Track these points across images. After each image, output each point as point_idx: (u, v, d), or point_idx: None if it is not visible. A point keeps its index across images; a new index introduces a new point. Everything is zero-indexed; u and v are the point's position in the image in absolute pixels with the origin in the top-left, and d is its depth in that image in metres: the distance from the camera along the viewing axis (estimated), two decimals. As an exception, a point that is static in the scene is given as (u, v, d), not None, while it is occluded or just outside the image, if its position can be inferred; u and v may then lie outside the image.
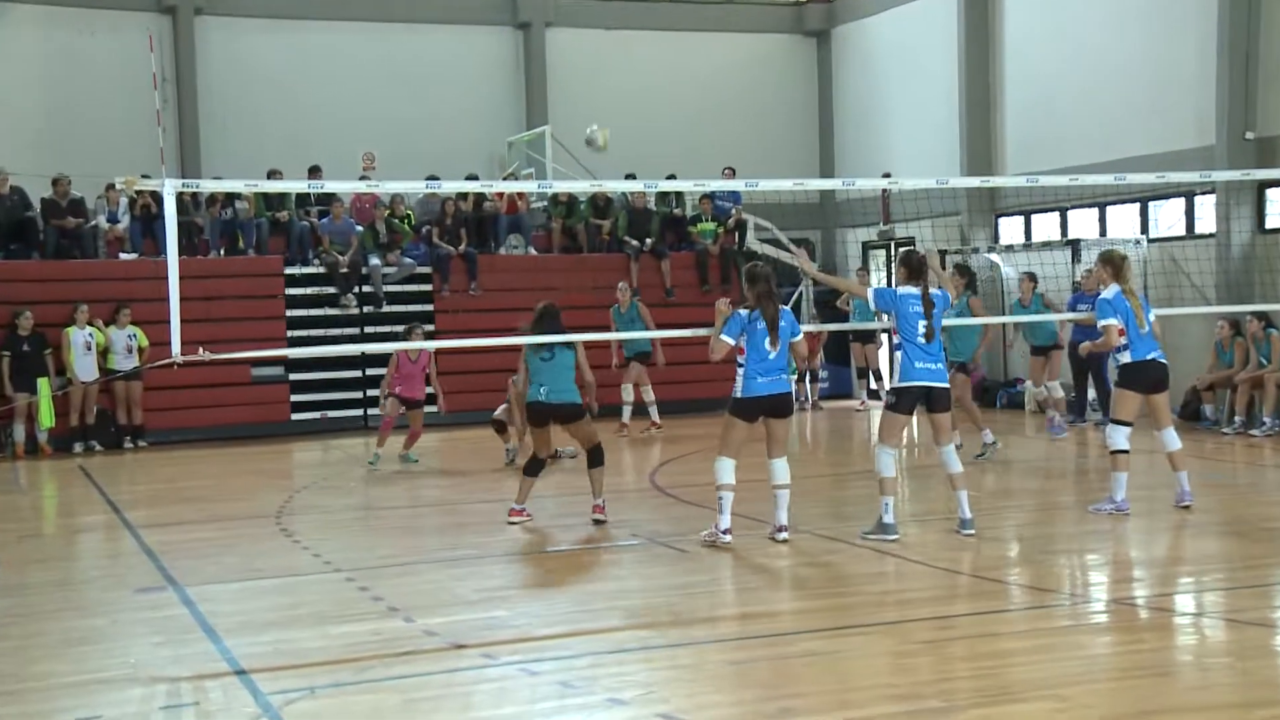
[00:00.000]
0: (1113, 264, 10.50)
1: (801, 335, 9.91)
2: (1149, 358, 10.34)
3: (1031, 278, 17.09)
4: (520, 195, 21.13)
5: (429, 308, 19.99)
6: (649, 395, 17.72)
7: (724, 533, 9.56)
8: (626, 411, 17.69)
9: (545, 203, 21.77)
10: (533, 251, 21.04)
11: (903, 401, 9.74)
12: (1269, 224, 17.11)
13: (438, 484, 14.23)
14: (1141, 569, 8.95)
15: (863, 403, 20.77)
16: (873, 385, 21.07)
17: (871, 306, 9.79)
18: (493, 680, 6.55)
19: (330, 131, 22.19)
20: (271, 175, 18.45)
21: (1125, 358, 10.36)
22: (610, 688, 6.32)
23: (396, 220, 20.22)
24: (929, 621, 7.40)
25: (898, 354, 9.89)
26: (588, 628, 7.54)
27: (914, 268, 9.82)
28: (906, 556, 9.22)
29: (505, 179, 21.08)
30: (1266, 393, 15.74)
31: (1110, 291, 10.38)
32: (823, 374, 22.37)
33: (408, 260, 20.02)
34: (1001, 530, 10.48)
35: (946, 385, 9.81)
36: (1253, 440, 15.24)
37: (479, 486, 13.62)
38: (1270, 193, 17.12)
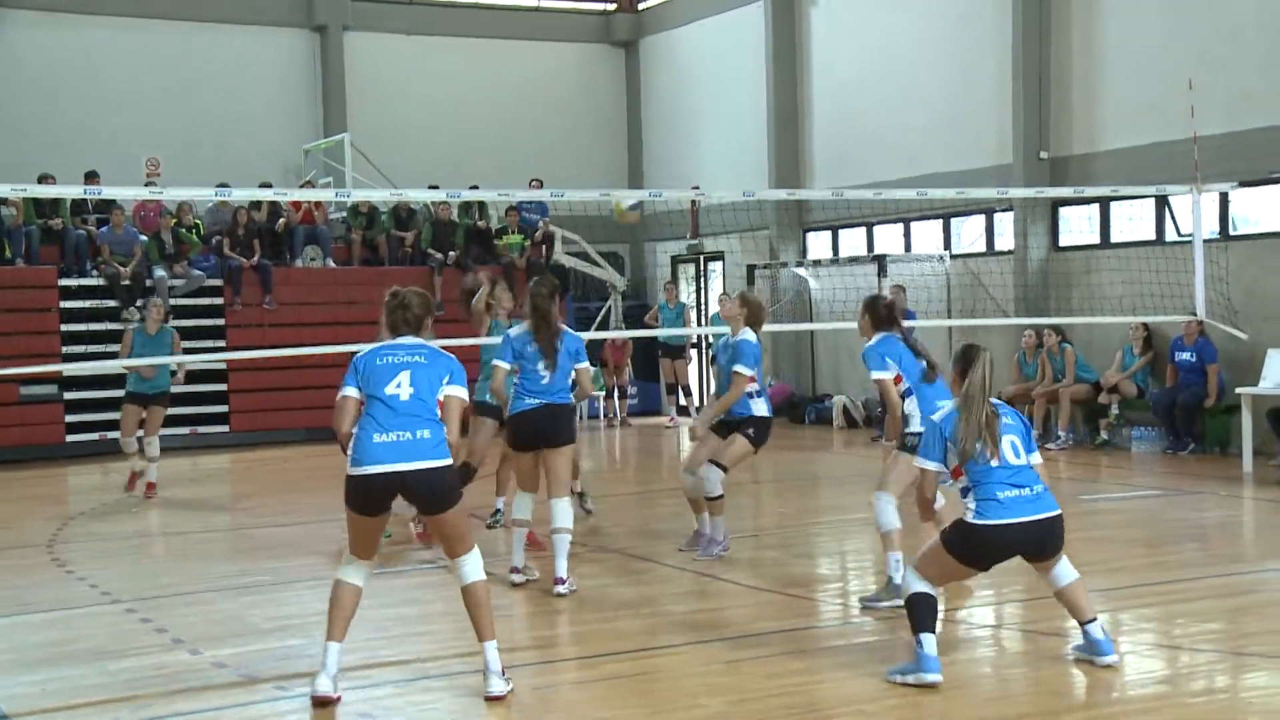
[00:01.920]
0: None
1: (587, 363, 8.82)
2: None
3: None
4: (317, 205, 20.49)
5: (220, 322, 19.23)
6: None
7: (512, 571, 8.90)
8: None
9: (344, 213, 21.19)
10: (331, 264, 20.44)
11: None
12: (1063, 241, 17.64)
13: (228, 508, 13.62)
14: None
15: (671, 419, 20.73)
16: (682, 401, 21.06)
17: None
18: (287, 714, 6.27)
19: (110, 135, 21.12)
20: (43, 180, 17.40)
21: (761, 409, 9.59)
22: (412, 717, 6.13)
23: (184, 230, 19.31)
24: (737, 640, 7.33)
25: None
26: (389, 656, 7.26)
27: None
28: (715, 575, 9.10)
29: (302, 188, 20.42)
30: (1061, 407, 16.18)
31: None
32: (631, 390, 22.30)
33: (196, 272, 19.16)
34: (811, 546, 10.46)
35: None
36: (1048, 453, 15.64)
37: (273, 510, 13.07)
38: (1064, 211, 17.67)
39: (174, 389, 14.25)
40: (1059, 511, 6.49)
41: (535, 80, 24.51)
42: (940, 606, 6.67)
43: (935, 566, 6.50)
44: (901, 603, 7.65)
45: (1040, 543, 6.45)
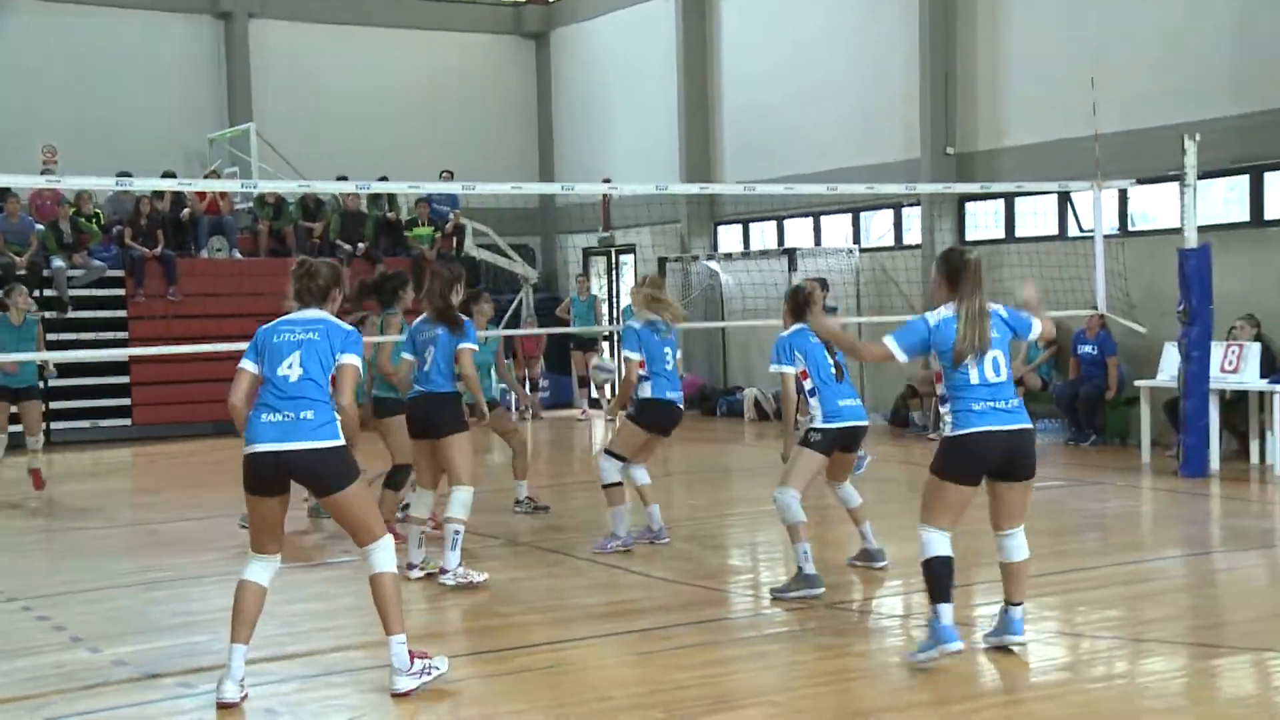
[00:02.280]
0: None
1: (466, 345, 8.57)
2: (666, 397, 9.53)
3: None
4: (223, 195, 20.16)
5: (122, 313, 18.85)
6: None
7: (408, 567, 8.71)
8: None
9: (251, 204, 20.87)
10: (238, 255, 20.13)
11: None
12: (969, 236, 17.88)
13: (130, 503, 13.37)
14: (853, 574, 9.07)
15: (584, 412, 20.70)
16: (593, 395, 21.05)
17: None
18: (189, 711, 6.14)
19: (3, 121, 20.60)
20: (-68, 167, 16.89)
21: (645, 391, 9.54)
22: (317, 713, 6.05)
23: (83, 219, 18.89)
24: (648, 632, 7.34)
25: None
26: (294, 651, 7.16)
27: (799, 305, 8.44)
28: (627, 568, 9.10)
29: (207, 177, 20.07)
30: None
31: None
32: (544, 383, 22.24)
33: (97, 263, 18.75)
34: (722, 538, 10.50)
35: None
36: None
37: (177, 505, 12.84)
38: (970, 206, 17.91)
39: (54, 382, 13.74)
40: (1031, 425, 6.63)
41: (446, 71, 24.32)
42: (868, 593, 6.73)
43: (937, 504, 6.53)
44: (814, 592, 7.76)
45: (1010, 458, 6.51)
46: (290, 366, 6.23)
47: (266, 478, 6.20)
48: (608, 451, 9.64)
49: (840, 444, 8.40)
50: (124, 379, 18.80)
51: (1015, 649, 6.69)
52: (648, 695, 6.17)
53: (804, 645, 7.00)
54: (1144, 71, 15.42)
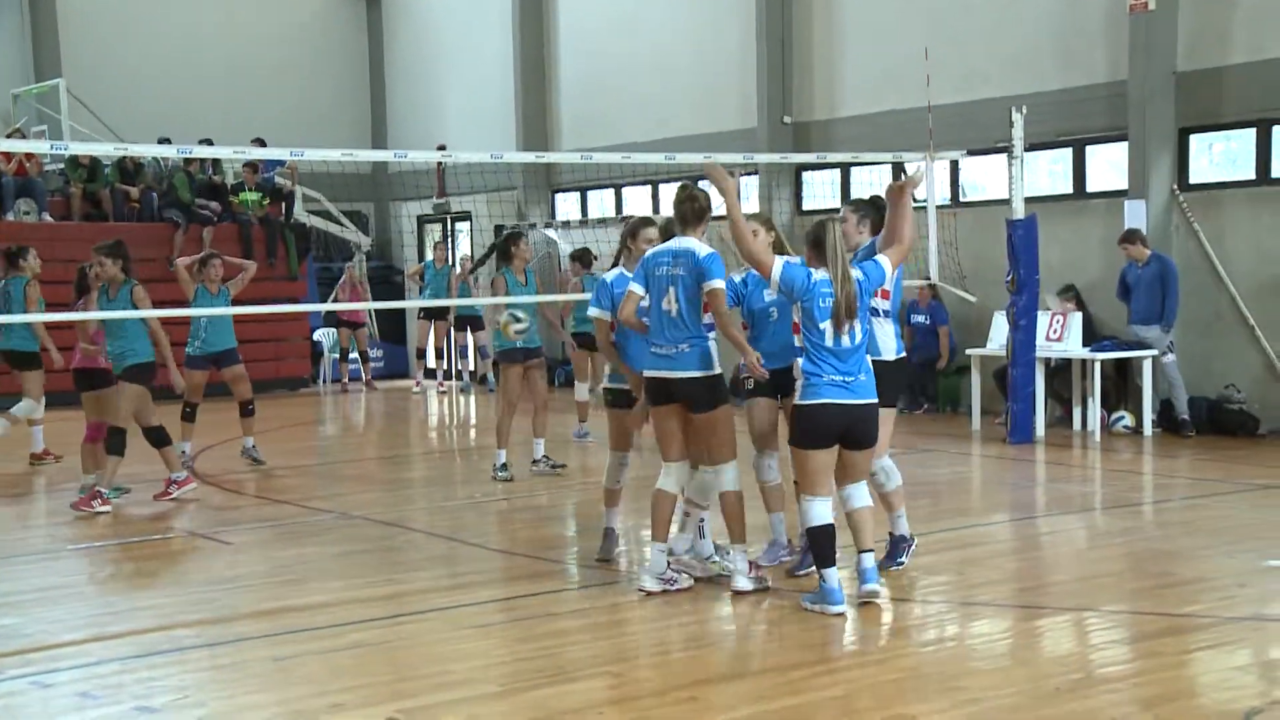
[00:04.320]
0: None
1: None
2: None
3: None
4: (29, 156, 19.18)
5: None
6: None
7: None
8: None
9: (62, 165, 19.93)
10: (48, 218, 19.23)
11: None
12: (806, 205, 18.05)
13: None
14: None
15: (418, 383, 20.33)
16: (430, 365, 20.72)
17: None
18: (-1, 696, 5.84)
19: None
20: None
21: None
22: (138, 695, 5.80)
23: None
24: (484, 605, 7.25)
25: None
26: (113, 631, 6.88)
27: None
28: (464, 539, 8.97)
29: (9, 136, 19.04)
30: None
31: None
32: (376, 353, 21.86)
33: (-114, 226, 17.72)
34: (562, 509, 10.43)
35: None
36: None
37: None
38: (806, 175, 18.07)
39: None
40: (875, 400, 6.86)
41: (274, 29, 23.60)
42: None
43: (799, 470, 6.89)
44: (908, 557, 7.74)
45: (850, 429, 6.79)
46: None
47: None
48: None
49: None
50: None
51: (877, 601, 6.89)
52: (484, 668, 6.09)
53: (640, 615, 6.97)
54: (976, 44, 15.71)
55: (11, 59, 21.52)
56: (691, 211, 7.22)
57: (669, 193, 20.00)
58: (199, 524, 9.69)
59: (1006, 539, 9.17)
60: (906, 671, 6.02)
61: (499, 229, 20.71)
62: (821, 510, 6.80)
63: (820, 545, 6.81)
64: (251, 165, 20.33)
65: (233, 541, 9.06)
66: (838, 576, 6.79)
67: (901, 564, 7.69)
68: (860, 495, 6.97)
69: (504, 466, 11.14)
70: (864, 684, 5.79)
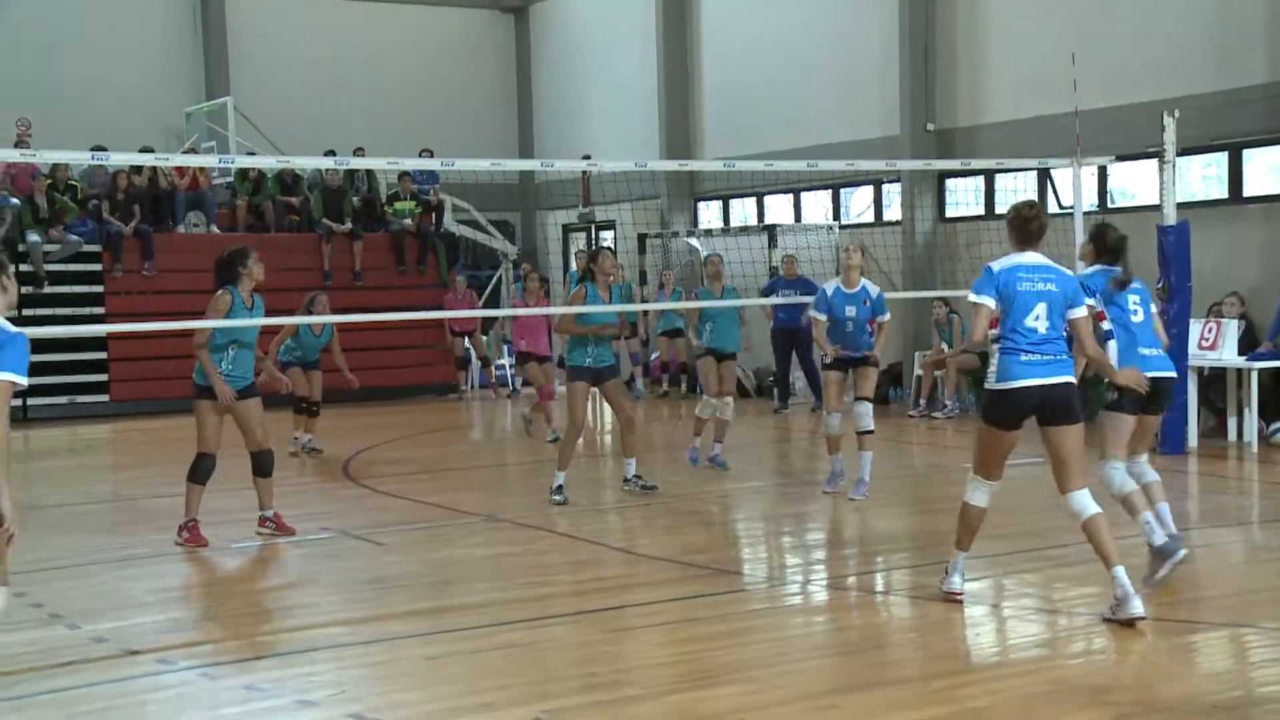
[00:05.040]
0: None
1: None
2: None
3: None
4: (201, 170, 20.01)
5: (99, 289, 18.71)
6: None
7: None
8: None
9: (229, 178, 20.72)
10: (215, 230, 20.00)
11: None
12: (949, 213, 17.88)
13: (108, 479, 13.30)
14: (829, 550, 9.11)
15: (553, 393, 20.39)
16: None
17: None
18: (170, 688, 6.11)
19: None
20: (-100, 141, 16.76)
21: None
22: (299, 689, 6.00)
23: (58, 193, 18.72)
24: (628, 609, 7.33)
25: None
26: (275, 627, 7.18)
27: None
28: (608, 544, 9.09)
29: (184, 152, 19.90)
30: (948, 376, 16.42)
31: None
32: (501, 361, 22.07)
33: (73, 237, 18.58)
34: (706, 515, 10.50)
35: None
36: (935, 421, 15.88)
37: (154, 481, 12.78)
38: (950, 183, 17.90)
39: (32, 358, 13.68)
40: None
41: (425, 46, 24.20)
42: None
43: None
44: (1175, 560, 7.35)
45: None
46: None
47: None
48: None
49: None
50: (102, 355, 18.69)
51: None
52: (627, 671, 6.17)
53: (782, 621, 7.01)
54: (1125, 47, 15.41)
55: (185, 79, 22.51)
56: (1039, 228, 7.15)
57: (810, 201, 19.99)
58: (353, 525, 9.97)
59: (1156, 552, 8.96)
60: (1053, 683, 5.93)
61: (642, 238, 20.89)
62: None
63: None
64: (407, 175, 20.87)
65: (384, 542, 9.30)
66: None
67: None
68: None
69: (559, 489, 10.56)
70: (1008, 695, 5.75)
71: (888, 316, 10.56)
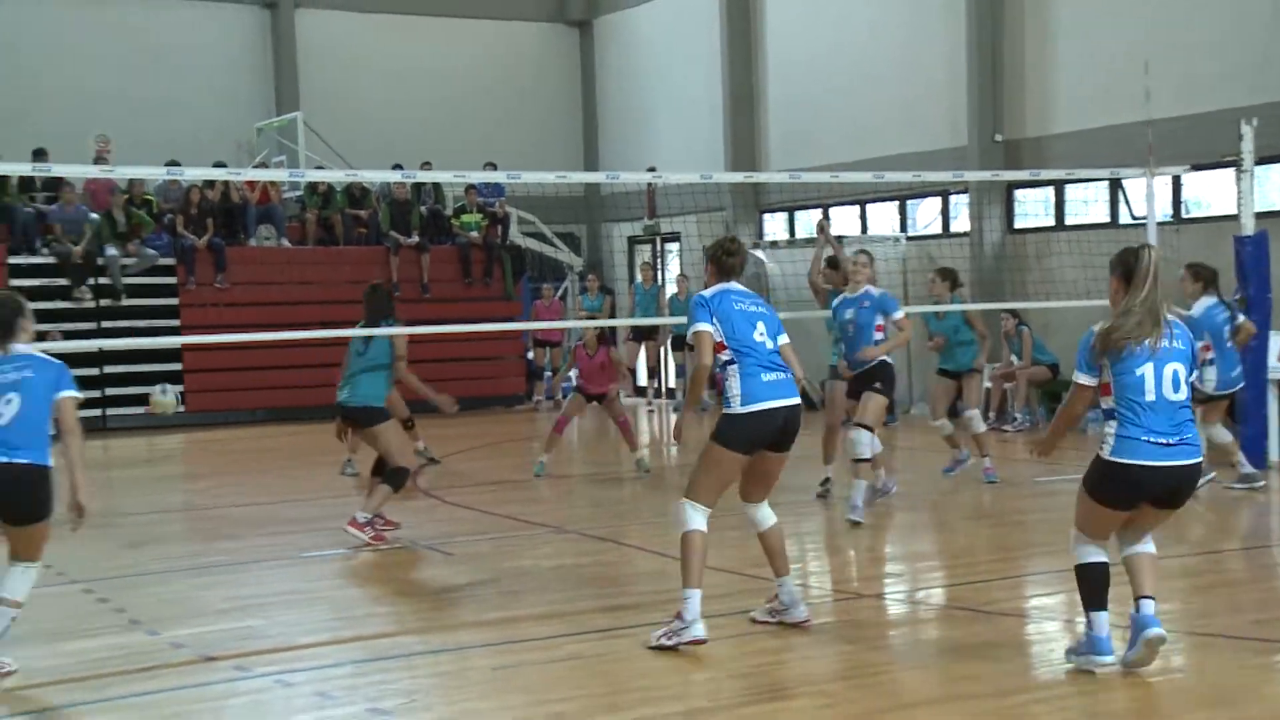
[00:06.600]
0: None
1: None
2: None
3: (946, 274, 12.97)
4: (272, 184, 20.30)
5: (174, 301, 19.03)
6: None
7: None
8: None
9: (299, 192, 20.99)
10: (286, 243, 20.25)
11: None
12: (1018, 224, 17.74)
13: (184, 488, 13.49)
14: (901, 564, 9.05)
15: (649, 402, 20.55)
16: (641, 383, 20.96)
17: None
18: (246, 693, 6.22)
19: (59, 112, 20.76)
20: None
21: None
22: (371, 697, 6.07)
23: (135, 208, 19.07)
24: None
25: None
26: (347, 635, 7.21)
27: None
28: (675, 555, 9.05)
29: (255, 167, 20.19)
30: (1018, 388, 16.28)
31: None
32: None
33: (149, 251, 18.92)
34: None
35: None
36: (1005, 434, 15.74)
37: (229, 490, 12.96)
38: (1018, 194, 17.76)
39: (108, 369, 13.86)
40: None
41: (490, 59, 24.37)
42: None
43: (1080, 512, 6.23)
44: None
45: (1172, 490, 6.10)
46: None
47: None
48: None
49: None
50: (177, 366, 18.97)
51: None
52: (697, 684, 6.16)
53: (855, 635, 6.96)
54: (1198, 54, 15.21)
55: (256, 95, 22.86)
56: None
57: (877, 212, 19.90)
58: (424, 535, 10.04)
59: (1238, 568, 8.84)
60: (1132, 701, 5.86)
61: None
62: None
63: (1086, 583, 6.21)
64: (473, 188, 21.04)
65: (454, 553, 9.37)
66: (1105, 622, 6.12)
67: None
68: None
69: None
70: (1085, 712, 5.69)
71: (900, 314, 10.23)
